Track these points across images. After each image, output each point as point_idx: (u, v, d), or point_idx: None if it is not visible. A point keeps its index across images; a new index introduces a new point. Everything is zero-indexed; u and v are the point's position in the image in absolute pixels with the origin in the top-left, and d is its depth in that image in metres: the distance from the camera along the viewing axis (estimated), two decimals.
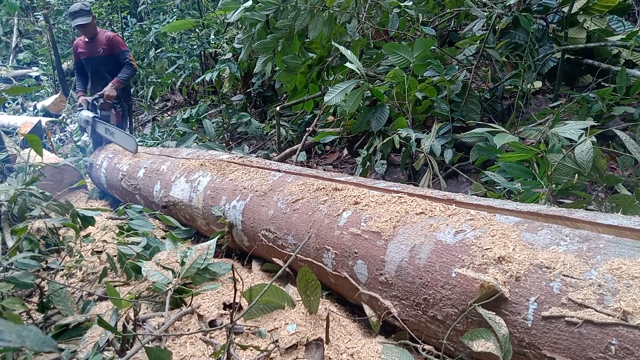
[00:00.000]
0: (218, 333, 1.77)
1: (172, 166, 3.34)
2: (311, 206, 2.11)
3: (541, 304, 1.21)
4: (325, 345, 1.60)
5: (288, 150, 4.42)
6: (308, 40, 4.19)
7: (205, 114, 6.22)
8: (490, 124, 2.81)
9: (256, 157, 3.96)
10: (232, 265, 1.93)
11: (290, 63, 4.11)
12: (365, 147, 3.48)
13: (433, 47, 3.63)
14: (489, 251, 1.39)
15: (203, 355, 1.65)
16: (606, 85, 3.31)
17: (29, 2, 13.41)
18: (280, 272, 1.54)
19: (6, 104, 10.10)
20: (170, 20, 8.02)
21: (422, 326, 1.56)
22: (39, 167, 3.33)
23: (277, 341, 1.63)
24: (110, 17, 10.41)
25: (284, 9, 3.89)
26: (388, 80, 3.49)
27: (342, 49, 3.23)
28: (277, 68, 4.41)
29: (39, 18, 11.93)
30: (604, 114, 3.04)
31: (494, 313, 1.28)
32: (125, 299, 1.91)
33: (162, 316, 1.89)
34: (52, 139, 6.58)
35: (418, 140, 3.11)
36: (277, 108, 4.73)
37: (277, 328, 1.72)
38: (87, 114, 5.12)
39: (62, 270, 2.59)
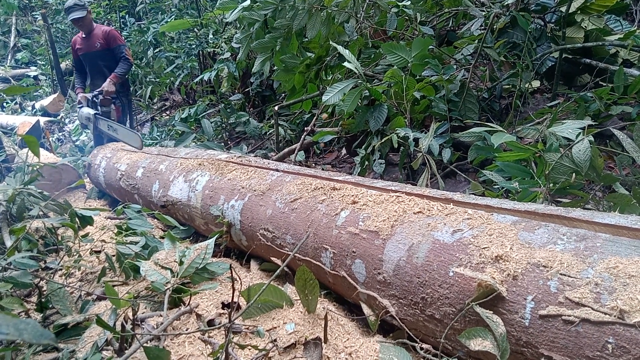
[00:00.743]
0: (216, 332, 1.78)
1: (170, 166, 3.34)
2: (309, 205, 2.11)
3: (538, 303, 1.22)
4: (323, 344, 1.60)
5: (286, 149, 4.42)
6: (306, 39, 4.19)
7: (204, 113, 6.22)
8: (488, 124, 2.81)
9: (254, 156, 3.96)
10: (231, 265, 1.93)
11: (288, 62, 4.11)
12: (363, 147, 3.48)
13: (431, 47, 3.64)
14: (486, 250, 1.39)
15: (201, 354, 1.66)
16: (604, 84, 3.31)
17: (27, 1, 13.40)
18: (278, 271, 1.54)
19: (4, 104, 10.08)
20: (169, 20, 8.01)
21: (420, 325, 1.56)
22: (38, 166, 3.33)
23: (275, 340, 1.64)
24: (109, 17, 10.40)
25: (282, 8, 3.89)
26: (386, 79, 3.49)
27: (340, 48, 3.23)
28: (275, 67, 4.41)
29: (37, 18, 11.92)
30: (601, 114, 3.05)
31: (492, 312, 1.29)
32: (124, 299, 1.92)
33: (161, 316, 1.90)
34: (50, 139, 6.58)
35: (416, 140, 3.11)
36: (276, 107, 4.73)
37: (275, 327, 1.72)
38: (87, 111, 5.13)
39: (61, 269, 2.59)
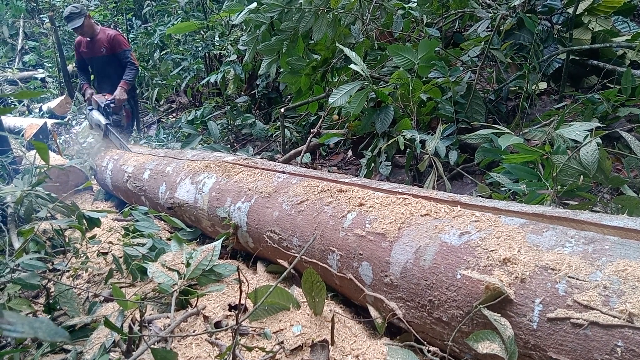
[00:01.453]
0: (223, 334, 1.78)
1: (177, 168, 3.35)
2: (316, 208, 2.12)
3: (546, 306, 1.21)
4: (330, 346, 1.60)
5: (293, 151, 4.42)
6: (312, 42, 4.20)
7: (210, 115, 6.24)
8: (495, 125, 2.80)
9: (261, 158, 3.97)
10: (238, 267, 1.94)
11: (294, 65, 4.12)
12: (369, 149, 3.48)
13: (437, 49, 3.63)
14: (494, 253, 1.39)
15: (209, 356, 1.66)
16: (611, 86, 3.30)
17: (35, 4, 13.50)
18: (285, 273, 1.55)
19: (12, 106, 10.14)
20: (175, 22, 8.04)
21: (427, 328, 1.56)
22: (45, 168, 3.35)
23: (282, 342, 1.64)
24: (115, 20, 10.47)
25: (289, 10, 3.90)
26: (392, 81, 3.49)
27: (346, 50, 3.23)
28: (281, 70, 4.42)
29: (44, 20, 11.98)
30: (609, 115, 3.03)
31: (499, 315, 1.28)
32: (131, 300, 1.92)
33: (168, 317, 1.90)
34: (57, 141, 6.61)
35: (423, 142, 3.11)
36: (282, 109, 4.74)
37: (282, 329, 1.72)
38: (99, 117, 5.16)
39: (69, 271, 2.61)
